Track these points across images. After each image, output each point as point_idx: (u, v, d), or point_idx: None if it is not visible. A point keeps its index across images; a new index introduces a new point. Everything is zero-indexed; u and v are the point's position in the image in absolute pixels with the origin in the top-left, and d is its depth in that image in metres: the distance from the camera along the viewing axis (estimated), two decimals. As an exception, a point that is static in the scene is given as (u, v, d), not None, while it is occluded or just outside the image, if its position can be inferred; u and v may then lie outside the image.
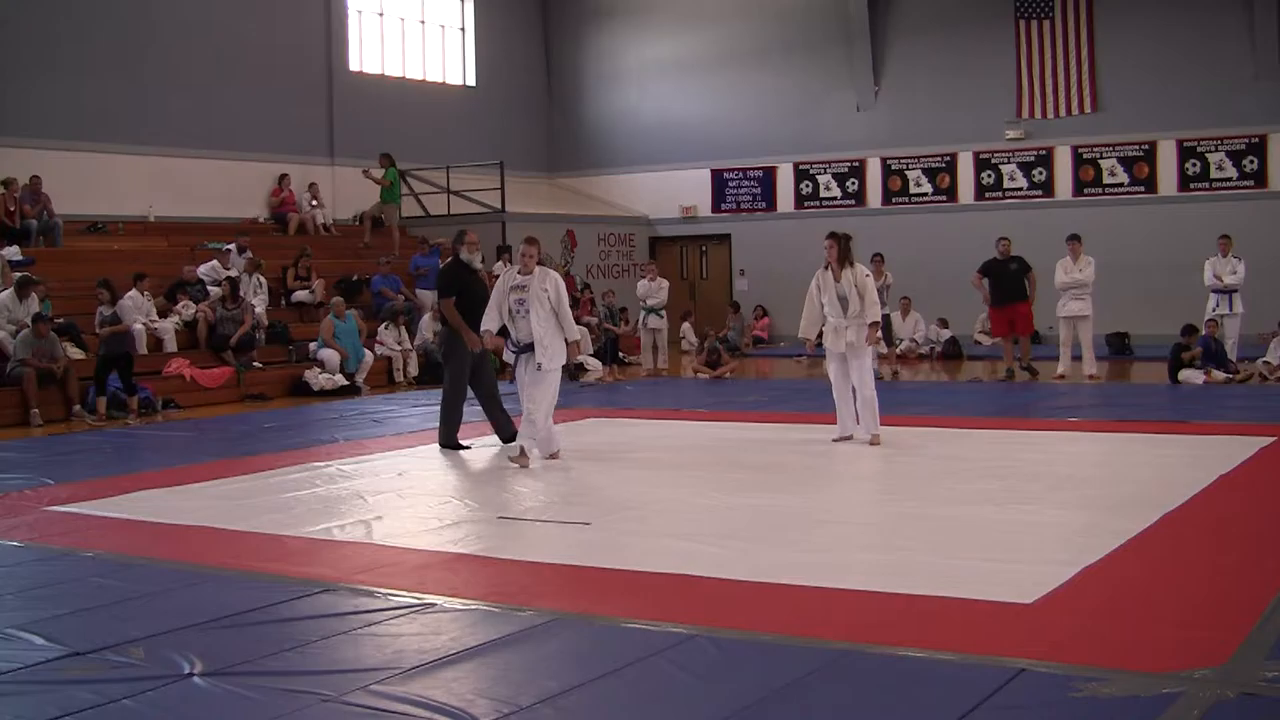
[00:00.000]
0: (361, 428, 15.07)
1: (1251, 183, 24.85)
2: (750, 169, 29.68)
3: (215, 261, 21.50)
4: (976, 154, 27.22)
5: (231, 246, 21.86)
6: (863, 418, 12.36)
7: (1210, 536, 8.00)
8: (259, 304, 20.83)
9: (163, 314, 19.81)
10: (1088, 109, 25.99)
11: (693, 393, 18.69)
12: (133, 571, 7.68)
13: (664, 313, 22.59)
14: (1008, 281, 19.44)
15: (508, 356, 11.91)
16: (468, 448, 12.64)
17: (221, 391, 18.81)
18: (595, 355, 22.42)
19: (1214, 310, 19.41)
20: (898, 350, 21.94)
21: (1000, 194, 27.00)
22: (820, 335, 12.69)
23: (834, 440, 12.41)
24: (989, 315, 20.39)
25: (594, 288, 26.17)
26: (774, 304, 28.57)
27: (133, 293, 19.22)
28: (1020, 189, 26.81)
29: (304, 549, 8.26)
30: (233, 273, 20.99)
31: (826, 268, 12.47)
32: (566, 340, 11.59)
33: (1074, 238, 19.25)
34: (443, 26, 29.98)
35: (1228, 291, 19.40)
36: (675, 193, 30.45)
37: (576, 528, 8.58)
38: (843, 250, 12.41)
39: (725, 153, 29.80)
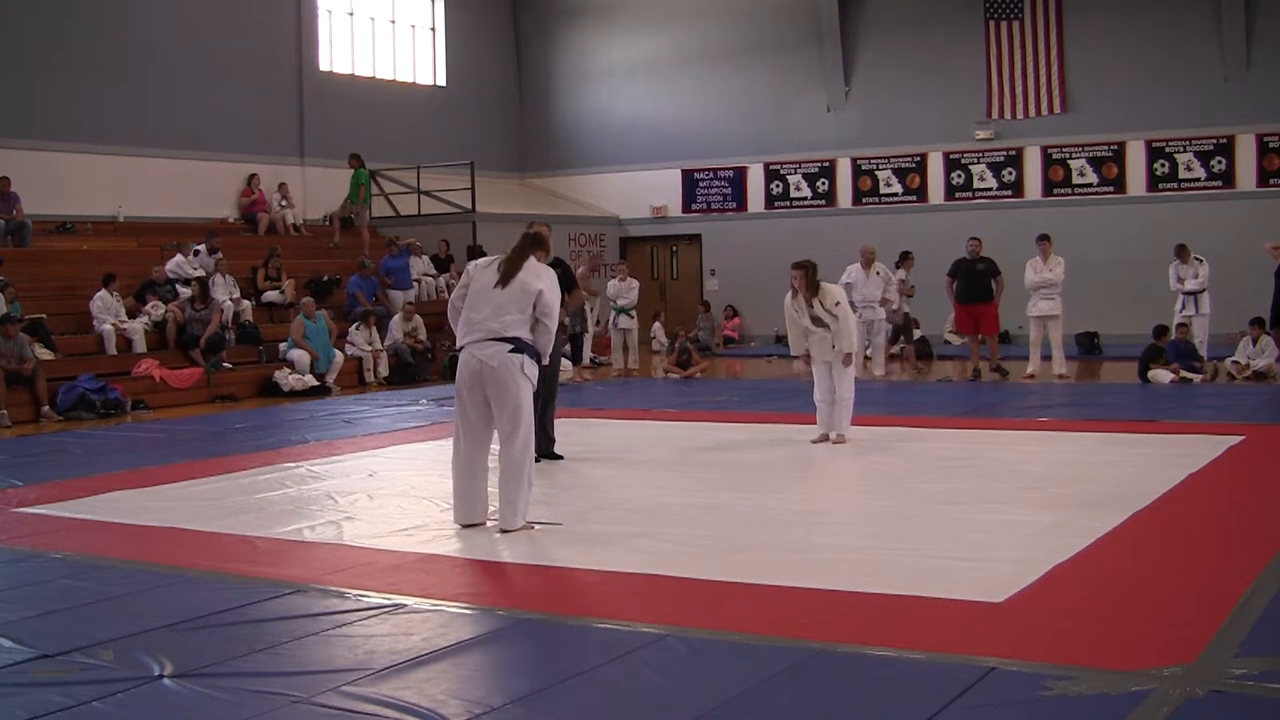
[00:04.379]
0: (332, 428, 15.03)
1: (1219, 183, 25.02)
2: (721, 169, 29.71)
3: (180, 256, 21.37)
4: (946, 154, 27.33)
5: (201, 247, 21.77)
6: (836, 415, 12.36)
7: (1179, 535, 8.04)
8: (229, 302, 20.75)
9: (132, 314, 19.74)
10: (1057, 110, 26.12)
11: (663, 393, 18.69)
12: (102, 573, 7.64)
13: (634, 313, 22.61)
14: (973, 281, 19.55)
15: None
16: (560, 457, 11.85)
17: (191, 392, 18.76)
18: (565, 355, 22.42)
19: (1181, 312, 19.56)
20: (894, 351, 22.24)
21: (970, 194, 27.10)
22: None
23: (813, 441, 12.41)
24: (955, 312, 20.54)
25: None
26: (745, 304, 28.65)
27: (102, 293, 19.17)
28: (990, 189, 26.91)
29: (274, 550, 8.23)
30: (198, 271, 20.92)
31: (794, 294, 12.42)
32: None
33: (1044, 238, 19.35)
34: (413, 26, 29.95)
35: (1193, 293, 19.55)
36: (646, 193, 30.48)
37: (547, 528, 8.57)
38: (810, 279, 12.34)
39: (696, 153, 29.84)
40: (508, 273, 8.54)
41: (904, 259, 22.19)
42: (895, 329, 22.33)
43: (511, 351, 8.41)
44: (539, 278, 8.58)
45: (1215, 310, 19.78)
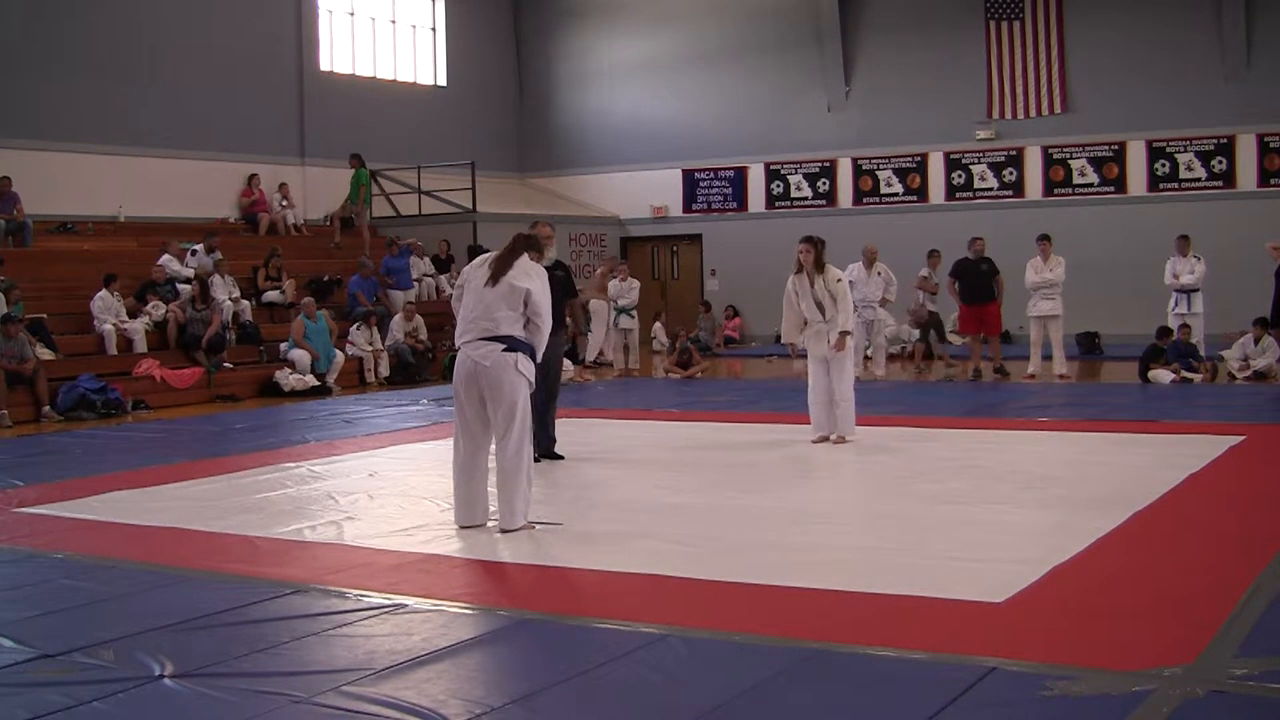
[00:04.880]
0: (332, 428, 15.03)
1: (1220, 183, 25.02)
2: (721, 169, 29.71)
3: (168, 254, 21.33)
4: (947, 154, 27.32)
5: (198, 247, 21.75)
6: (838, 417, 12.33)
7: (1180, 535, 8.03)
8: (228, 302, 20.73)
9: (132, 314, 19.74)
10: (1058, 109, 26.12)
11: (664, 393, 18.69)
12: (103, 573, 7.64)
13: (635, 313, 22.61)
14: (977, 281, 19.55)
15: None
16: (561, 457, 11.86)
17: (191, 392, 18.76)
18: (567, 355, 22.40)
19: (1174, 309, 19.58)
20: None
21: (971, 194, 27.10)
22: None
23: (812, 441, 12.39)
24: (959, 313, 20.53)
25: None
26: (745, 304, 28.65)
27: (103, 293, 19.16)
28: (991, 189, 26.91)
29: (275, 550, 8.23)
30: (188, 271, 20.89)
31: (799, 271, 12.38)
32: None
33: (1044, 238, 19.36)
34: (413, 26, 29.95)
35: (1187, 291, 19.54)
36: (646, 193, 30.47)
37: (547, 528, 8.57)
38: (819, 255, 12.31)
39: (696, 153, 29.83)
40: (497, 272, 8.53)
41: (931, 256, 22.08)
42: (923, 327, 22.15)
43: (505, 350, 8.41)
44: (528, 276, 8.54)
45: (1212, 309, 19.79)
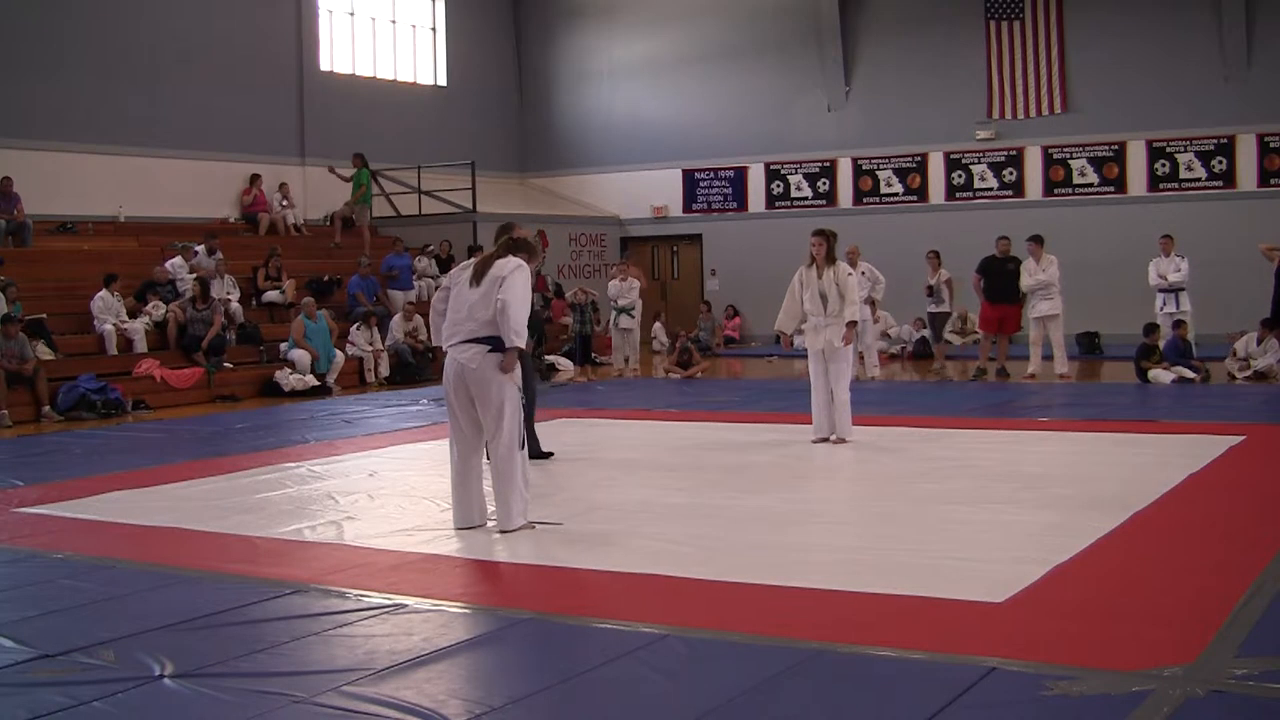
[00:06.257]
0: (333, 428, 15.03)
1: (1220, 183, 25.02)
2: (721, 169, 29.71)
3: (179, 257, 21.37)
4: (947, 154, 27.32)
5: (200, 247, 21.75)
6: (836, 419, 12.36)
7: (1180, 535, 8.03)
8: (229, 300, 20.72)
9: (133, 314, 19.73)
10: (1058, 109, 26.12)
11: (664, 393, 18.68)
12: (103, 573, 7.64)
13: (635, 312, 22.57)
14: (1004, 280, 19.45)
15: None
16: (550, 454, 11.85)
17: (192, 392, 18.76)
18: (567, 355, 22.40)
19: (1161, 309, 19.59)
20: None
21: (971, 194, 27.09)
22: (800, 332, 12.73)
23: (813, 441, 12.40)
24: (981, 310, 20.28)
25: (564, 287, 26.20)
26: (745, 304, 28.65)
27: (103, 293, 19.16)
28: (991, 189, 26.90)
29: (275, 550, 8.23)
30: (188, 277, 20.89)
31: (810, 264, 12.46)
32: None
33: (1035, 239, 19.30)
34: (413, 26, 29.94)
35: (1174, 290, 19.55)
36: (646, 193, 30.47)
37: (547, 528, 8.57)
38: (830, 248, 12.41)
39: (696, 153, 29.83)
40: (478, 273, 8.54)
41: (928, 258, 21.61)
42: (934, 328, 21.58)
43: (490, 352, 8.41)
44: (504, 269, 8.51)
45: (1198, 308, 19.81)
